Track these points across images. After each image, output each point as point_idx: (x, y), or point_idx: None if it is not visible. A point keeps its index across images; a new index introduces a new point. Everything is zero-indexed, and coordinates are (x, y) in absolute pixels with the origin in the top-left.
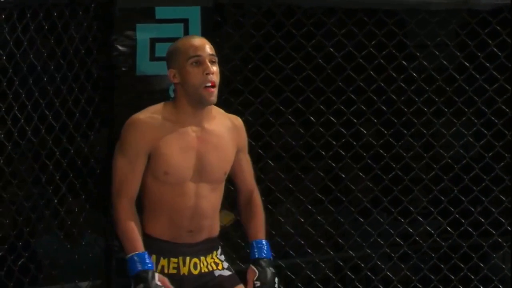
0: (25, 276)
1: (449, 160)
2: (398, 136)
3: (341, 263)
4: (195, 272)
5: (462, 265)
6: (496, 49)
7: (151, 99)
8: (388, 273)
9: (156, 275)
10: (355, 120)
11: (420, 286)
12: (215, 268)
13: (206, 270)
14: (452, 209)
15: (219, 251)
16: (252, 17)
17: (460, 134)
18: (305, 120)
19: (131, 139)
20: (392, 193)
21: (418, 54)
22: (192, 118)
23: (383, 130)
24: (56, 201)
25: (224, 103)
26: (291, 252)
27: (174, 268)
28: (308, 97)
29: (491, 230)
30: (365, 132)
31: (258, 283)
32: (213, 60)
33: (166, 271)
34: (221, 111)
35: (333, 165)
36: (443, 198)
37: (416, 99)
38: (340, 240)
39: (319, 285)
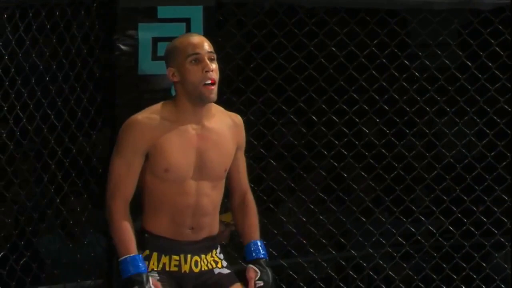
0: (27, 275)
1: (451, 160)
2: (400, 136)
3: (343, 263)
4: (196, 270)
5: (464, 265)
6: (498, 48)
7: (153, 99)
8: (390, 272)
9: (150, 279)
10: (357, 120)
11: (422, 285)
12: (214, 266)
13: (206, 268)
14: (454, 209)
15: (218, 249)
16: (254, 16)
17: (462, 134)
18: (307, 119)
19: (128, 140)
20: (394, 193)
21: (420, 53)
22: (192, 116)
23: (385, 129)
24: (58, 200)
25: (226, 103)
26: (293, 251)
27: (175, 265)
28: (310, 97)
29: (493, 229)
30: (367, 131)
31: (261, 283)
32: (212, 57)
33: (167, 268)
34: (221, 109)
35: (335, 164)
36: (445, 198)
37: (418, 98)
38: (342, 240)
39: (321, 284)
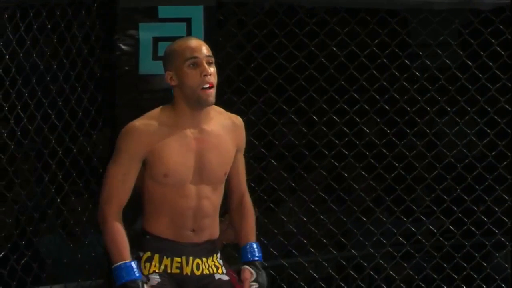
0: (28, 275)
1: (452, 159)
2: (401, 135)
3: (344, 262)
4: (197, 273)
5: (465, 264)
6: (499, 48)
7: (153, 99)
8: (391, 272)
9: (146, 286)
10: (358, 119)
11: (422, 285)
12: (215, 271)
13: (208, 272)
14: (455, 208)
15: (219, 255)
16: (254, 16)
17: (462, 133)
18: (308, 119)
19: (125, 147)
20: (395, 192)
21: (420, 53)
22: (191, 120)
23: (386, 129)
24: (59, 200)
25: (227, 102)
26: (293, 251)
27: (177, 267)
28: (311, 96)
29: (493, 229)
30: (368, 131)
31: (256, 285)
32: (210, 61)
33: (169, 270)
34: (221, 110)
35: (336, 164)
36: (446, 197)
37: (419, 98)
38: (342, 239)
39: (322, 284)
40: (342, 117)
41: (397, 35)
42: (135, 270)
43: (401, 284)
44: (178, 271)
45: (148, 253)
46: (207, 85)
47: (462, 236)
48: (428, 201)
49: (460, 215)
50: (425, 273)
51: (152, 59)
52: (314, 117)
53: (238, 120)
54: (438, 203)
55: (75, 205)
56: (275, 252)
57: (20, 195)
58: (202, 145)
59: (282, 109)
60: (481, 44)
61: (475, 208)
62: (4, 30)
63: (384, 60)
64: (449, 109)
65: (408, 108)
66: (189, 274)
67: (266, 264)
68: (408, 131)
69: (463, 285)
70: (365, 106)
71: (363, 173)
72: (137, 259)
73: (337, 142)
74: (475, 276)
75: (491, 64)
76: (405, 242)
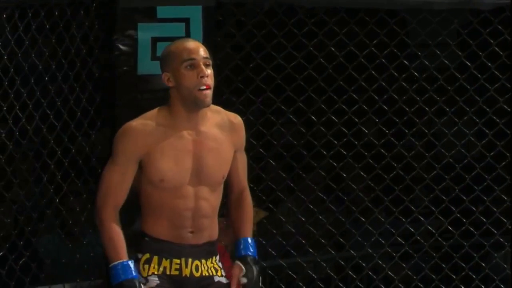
0: (27, 275)
1: (451, 160)
2: (400, 136)
3: (343, 263)
4: (197, 275)
5: (464, 265)
6: (498, 48)
7: (152, 99)
8: (389, 272)
9: (142, 285)
10: (356, 120)
11: (421, 285)
12: (214, 273)
13: (207, 274)
14: (454, 209)
15: (218, 257)
16: (253, 16)
17: (461, 134)
18: (307, 119)
19: (122, 147)
20: (393, 193)
21: (419, 53)
22: (187, 121)
23: (384, 129)
24: (57, 200)
25: (226, 102)
26: (292, 251)
27: (176, 269)
28: (310, 97)
29: (492, 229)
30: (366, 131)
31: (244, 280)
32: (208, 63)
33: (168, 272)
34: (219, 108)
35: (334, 164)
36: (444, 198)
37: (418, 98)
38: (341, 240)
39: (320, 284)
40: (340, 117)
41: (396, 35)
42: (132, 269)
43: (400, 285)
44: (177, 272)
45: (147, 255)
46: (204, 87)
47: (461, 237)
48: (427, 201)
49: (458, 215)
50: (423, 274)
51: (150, 59)
52: (313, 117)
53: (237, 119)
54: (436, 204)
55: (74, 205)
56: (273, 252)
57: (18, 195)
58: (199, 148)
59: (280, 109)
60: (480, 44)
61: (474, 209)
62: (2, 30)
63: (383, 60)
64: (448, 109)
65: (407, 108)
66: (188, 275)
67: (257, 259)
68: (406, 131)
69: (461, 286)
70: (364, 106)
71: (362, 173)
72: (136, 261)
73: (335, 142)
74: (474, 276)
75: (490, 64)
76: (403, 242)
